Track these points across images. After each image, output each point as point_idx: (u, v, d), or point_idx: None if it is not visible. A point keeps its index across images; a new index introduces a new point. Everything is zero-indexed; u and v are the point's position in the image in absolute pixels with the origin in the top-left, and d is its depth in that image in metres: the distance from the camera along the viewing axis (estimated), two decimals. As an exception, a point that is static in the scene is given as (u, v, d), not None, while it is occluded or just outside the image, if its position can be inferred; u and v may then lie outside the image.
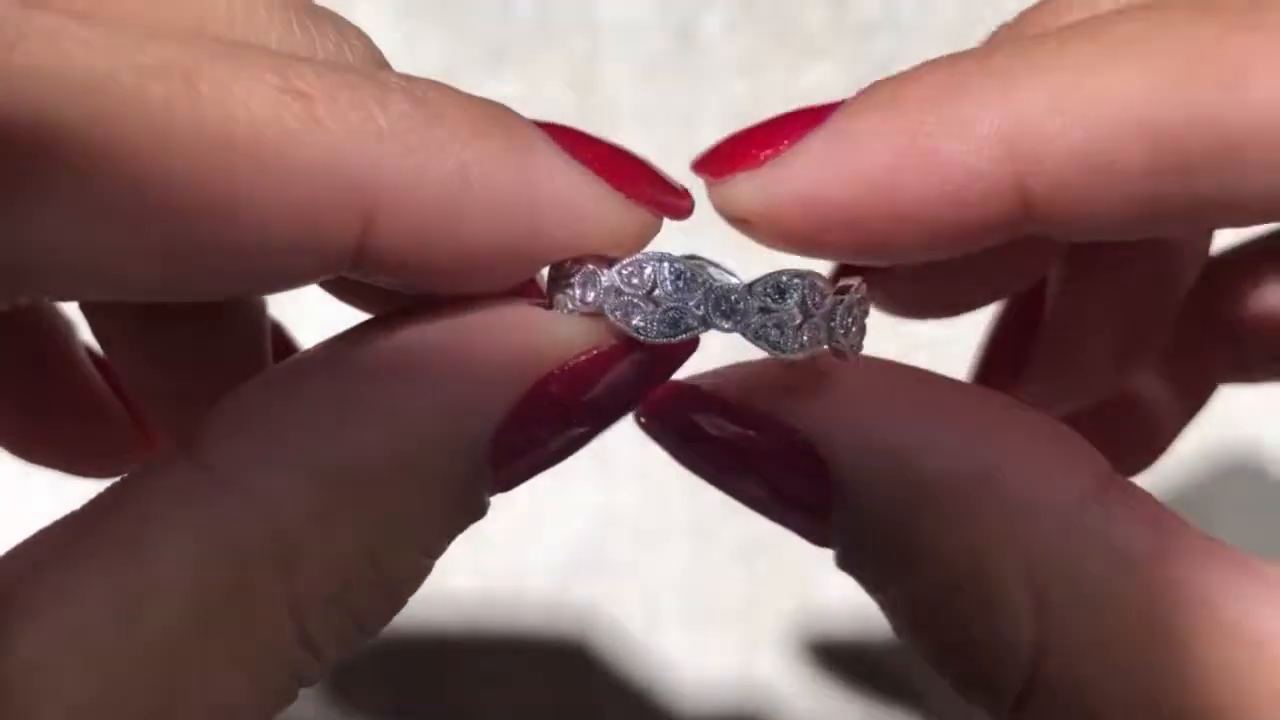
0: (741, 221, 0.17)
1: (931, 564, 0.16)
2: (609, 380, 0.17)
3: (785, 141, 0.17)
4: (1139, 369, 0.24)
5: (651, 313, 0.16)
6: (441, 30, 0.43)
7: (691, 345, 0.17)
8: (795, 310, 0.17)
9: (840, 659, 0.39)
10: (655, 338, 0.16)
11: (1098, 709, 0.16)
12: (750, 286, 0.17)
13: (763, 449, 0.17)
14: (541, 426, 0.16)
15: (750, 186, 0.17)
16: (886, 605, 0.18)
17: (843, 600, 0.39)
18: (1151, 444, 0.25)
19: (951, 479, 0.16)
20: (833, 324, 0.17)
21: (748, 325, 0.17)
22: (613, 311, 0.16)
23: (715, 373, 0.18)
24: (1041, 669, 0.16)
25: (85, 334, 0.24)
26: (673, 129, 0.42)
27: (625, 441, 0.43)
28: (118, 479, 0.15)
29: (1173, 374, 0.25)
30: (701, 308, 0.17)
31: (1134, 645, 0.15)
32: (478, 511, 0.17)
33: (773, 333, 0.17)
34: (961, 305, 0.23)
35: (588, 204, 0.16)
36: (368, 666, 0.37)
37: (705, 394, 0.18)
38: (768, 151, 0.17)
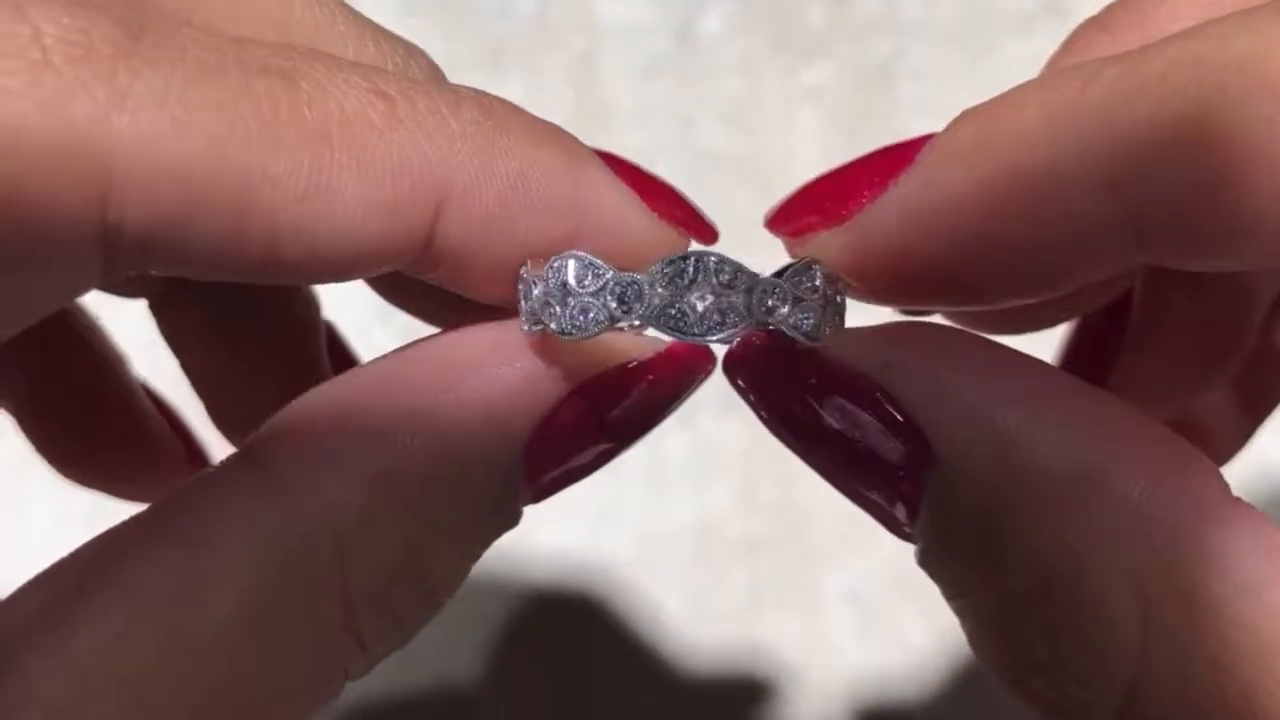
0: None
1: (1027, 564, 0.15)
2: (633, 397, 0.17)
3: (866, 194, 0.17)
4: (1219, 383, 0.23)
5: (697, 312, 0.16)
6: (442, 30, 0.43)
7: (711, 358, 0.17)
8: (819, 298, 0.16)
9: (840, 659, 0.39)
10: (700, 337, 0.16)
11: None
12: (781, 276, 0.16)
13: (858, 415, 0.16)
14: (567, 442, 0.17)
15: (835, 245, 0.17)
16: (968, 612, 0.17)
17: (844, 601, 0.39)
18: (1215, 458, 0.24)
19: (1063, 473, 0.15)
20: (753, 305, 0.16)
21: (786, 317, 0.16)
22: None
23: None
24: (1141, 691, 0.15)
25: (140, 368, 0.25)
26: (672, 129, 0.42)
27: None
28: (186, 482, 0.16)
29: (1240, 387, 0.24)
30: (743, 301, 0.16)
31: (1248, 672, 0.14)
32: (512, 519, 0.18)
33: (806, 321, 0.16)
34: (1036, 326, 0.23)
35: (627, 216, 0.17)
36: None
37: (801, 350, 0.17)
38: (848, 206, 0.17)
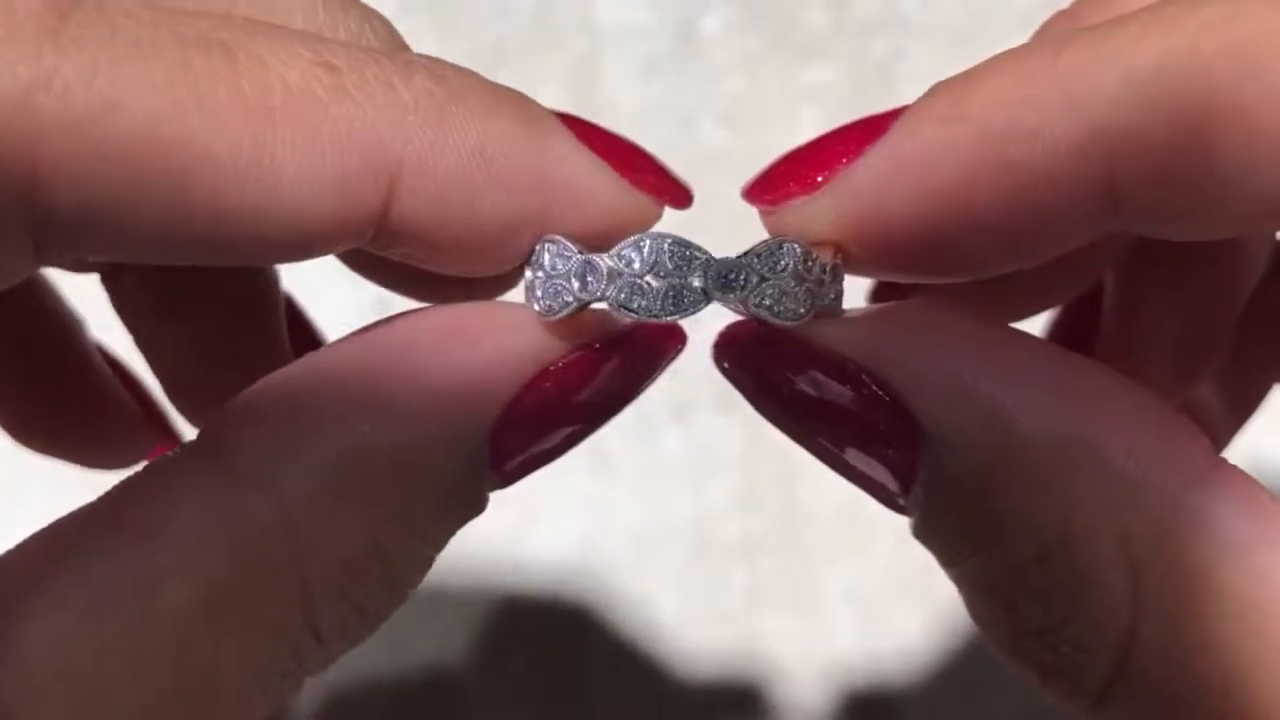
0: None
1: (1019, 532, 0.16)
2: (601, 377, 0.17)
3: (843, 159, 0.16)
4: (1200, 378, 0.23)
5: (654, 291, 0.16)
6: (441, 29, 0.43)
7: (681, 338, 0.17)
8: (790, 278, 0.16)
9: (841, 659, 0.39)
10: (659, 315, 0.16)
11: (1190, 698, 0.15)
12: (746, 256, 0.16)
13: (847, 398, 0.16)
14: (535, 425, 0.16)
15: (810, 211, 0.17)
16: (964, 581, 0.17)
17: (845, 601, 0.39)
18: None
19: (1050, 442, 0.15)
20: (822, 288, 0.16)
21: (748, 296, 0.16)
22: (616, 295, 0.16)
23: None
24: (1132, 653, 0.15)
25: (95, 333, 0.24)
26: (672, 129, 0.42)
27: (625, 441, 0.43)
28: (137, 469, 0.16)
29: (1225, 380, 0.24)
30: (701, 281, 0.16)
31: (1235, 634, 0.14)
32: (478, 506, 0.17)
33: (772, 301, 0.16)
34: (1011, 316, 0.23)
35: (596, 186, 0.17)
36: (365, 663, 0.37)
37: (786, 335, 0.17)
38: (824, 172, 0.16)
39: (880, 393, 0.16)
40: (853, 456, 0.17)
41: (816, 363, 0.16)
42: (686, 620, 0.39)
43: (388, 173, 0.15)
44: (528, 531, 0.39)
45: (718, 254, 0.16)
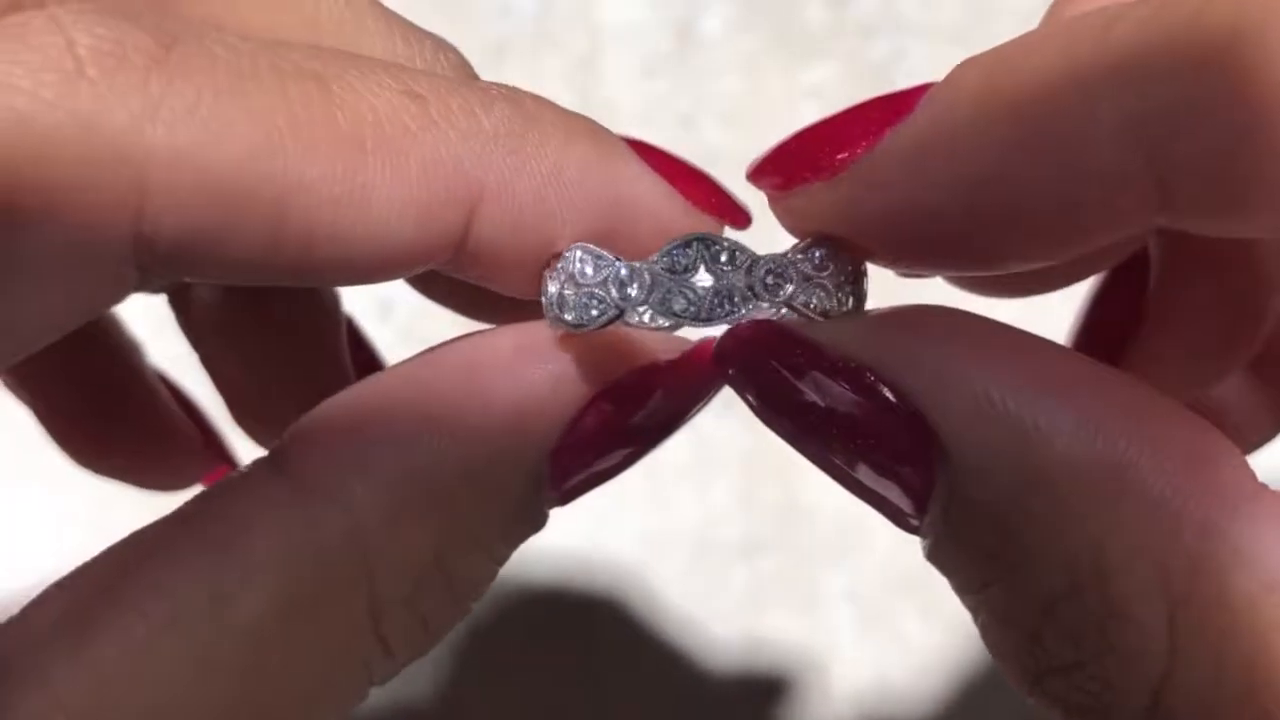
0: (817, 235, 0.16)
1: (1048, 563, 0.14)
2: (655, 398, 0.17)
3: (862, 142, 0.15)
4: (1237, 365, 0.22)
5: (701, 293, 0.16)
6: (441, 29, 0.43)
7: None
8: (832, 276, 0.16)
9: (841, 659, 0.39)
10: (707, 319, 0.16)
11: None
12: (791, 254, 0.16)
13: (860, 407, 0.15)
14: (594, 445, 0.17)
15: (828, 198, 0.16)
16: (982, 609, 0.16)
17: (845, 601, 0.39)
18: (1240, 448, 0.23)
19: (1081, 465, 0.14)
20: (756, 285, 0.16)
21: (795, 295, 0.16)
22: (660, 299, 0.16)
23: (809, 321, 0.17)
24: (1167, 691, 0.14)
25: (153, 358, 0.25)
26: (672, 129, 0.42)
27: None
28: (211, 486, 0.16)
29: (1264, 375, 0.23)
30: (746, 280, 0.16)
31: (1276, 679, 0.13)
32: (538, 523, 0.17)
33: (818, 301, 0.16)
34: (1043, 286, 0.22)
35: (662, 207, 0.17)
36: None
37: (795, 336, 0.16)
38: (844, 155, 0.16)
39: (897, 403, 0.15)
40: (864, 473, 0.16)
41: (829, 367, 0.15)
42: (687, 620, 0.39)
43: (470, 198, 0.15)
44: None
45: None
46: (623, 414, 0.17)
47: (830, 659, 0.38)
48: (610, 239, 0.16)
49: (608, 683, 0.38)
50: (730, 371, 0.16)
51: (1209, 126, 0.13)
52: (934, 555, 0.16)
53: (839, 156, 0.16)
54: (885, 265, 0.17)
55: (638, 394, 0.17)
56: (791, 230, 0.17)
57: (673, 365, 0.17)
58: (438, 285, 0.22)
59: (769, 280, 0.16)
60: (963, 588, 0.16)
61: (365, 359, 0.25)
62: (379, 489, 0.15)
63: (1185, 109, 0.13)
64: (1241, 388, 0.23)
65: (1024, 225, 0.15)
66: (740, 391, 0.16)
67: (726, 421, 0.40)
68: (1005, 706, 0.37)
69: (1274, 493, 0.14)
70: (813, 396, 0.16)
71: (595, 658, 0.39)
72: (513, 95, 0.16)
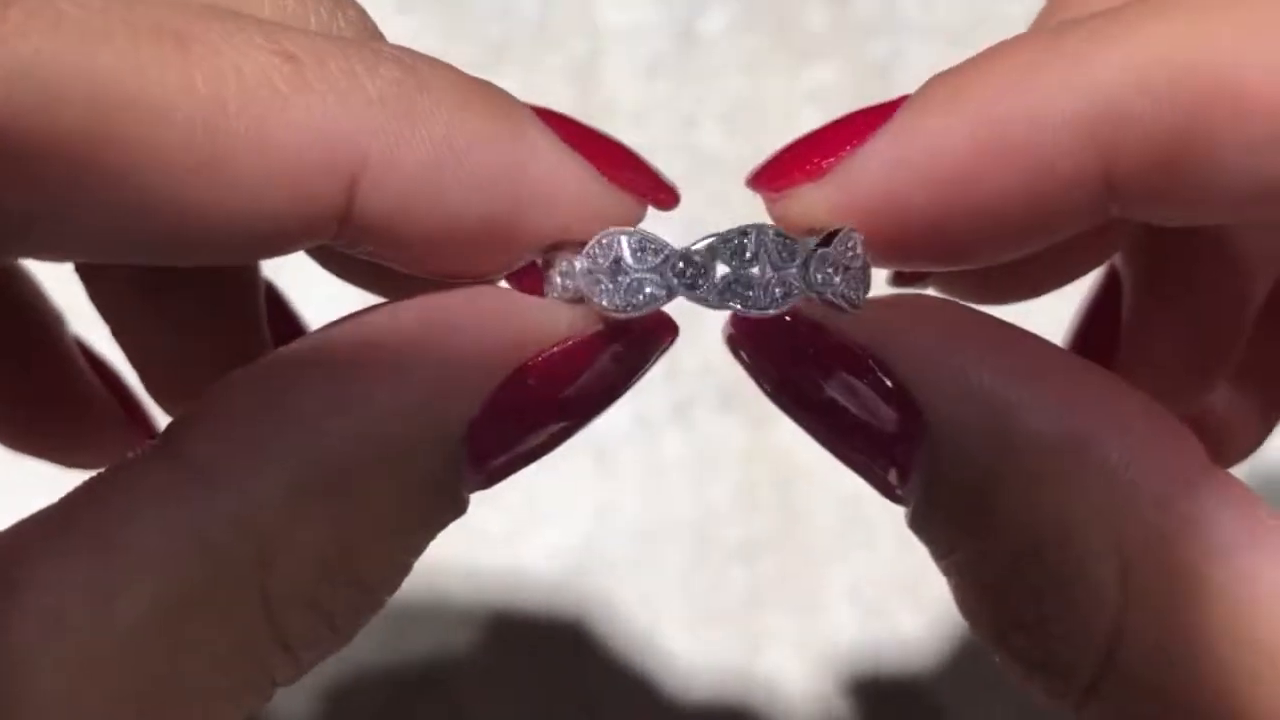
0: (810, 235, 0.17)
1: (1013, 526, 0.16)
2: (592, 370, 0.16)
3: (847, 146, 0.16)
4: (1214, 383, 0.23)
5: (761, 283, 0.16)
6: (441, 29, 0.43)
7: (674, 329, 0.17)
8: (862, 266, 0.16)
9: (842, 660, 0.39)
10: (764, 308, 0.16)
11: (1174, 699, 0.15)
12: (831, 246, 0.16)
13: (854, 385, 0.16)
14: (518, 420, 0.16)
15: (816, 197, 0.17)
16: (954, 570, 0.17)
17: (845, 600, 0.39)
18: (1223, 456, 0.24)
19: (1049, 441, 0.15)
20: (810, 275, 0.16)
21: (829, 285, 0.16)
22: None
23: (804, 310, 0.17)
24: (1118, 652, 0.15)
25: (75, 327, 0.24)
26: (673, 129, 0.42)
27: (625, 441, 0.43)
28: (101, 471, 0.15)
29: (1251, 384, 0.24)
30: (800, 270, 0.16)
31: (1219, 637, 0.15)
32: (456, 509, 0.16)
33: (849, 290, 0.16)
34: (1025, 291, 0.23)
35: (573, 185, 0.16)
36: (365, 665, 0.37)
37: (805, 320, 0.17)
38: (830, 159, 0.16)
39: (886, 380, 0.16)
40: (855, 444, 0.17)
41: (830, 349, 0.16)
42: (687, 620, 0.39)
43: (350, 168, 0.14)
44: (528, 531, 0.39)
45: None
46: (550, 389, 0.16)
47: (830, 659, 0.38)
48: (520, 217, 0.16)
49: (605, 684, 0.38)
50: (743, 355, 0.17)
51: (1154, 125, 0.15)
52: (915, 522, 0.17)
53: (826, 161, 0.16)
54: (871, 264, 0.18)
55: (566, 367, 0.16)
56: (787, 230, 0.17)
57: (607, 335, 0.17)
58: (341, 264, 0.20)
59: (823, 272, 0.16)
60: (939, 553, 0.17)
61: (288, 329, 0.23)
62: (275, 474, 0.14)
63: (1130, 109, 0.15)
64: (1229, 398, 0.24)
65: (990, 219, 0.16)
66: (749, 371, 0.17)
67: (727, 421, 0.40)
68: (1006, 707, 0.37)
69: (1223, 472, 0.16)
70: (815, 376, 0.16)
71: (594, 658, 0.39)
72: (403, 56, 0.15)
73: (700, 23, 0.43)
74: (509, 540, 0.39)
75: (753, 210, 0.18)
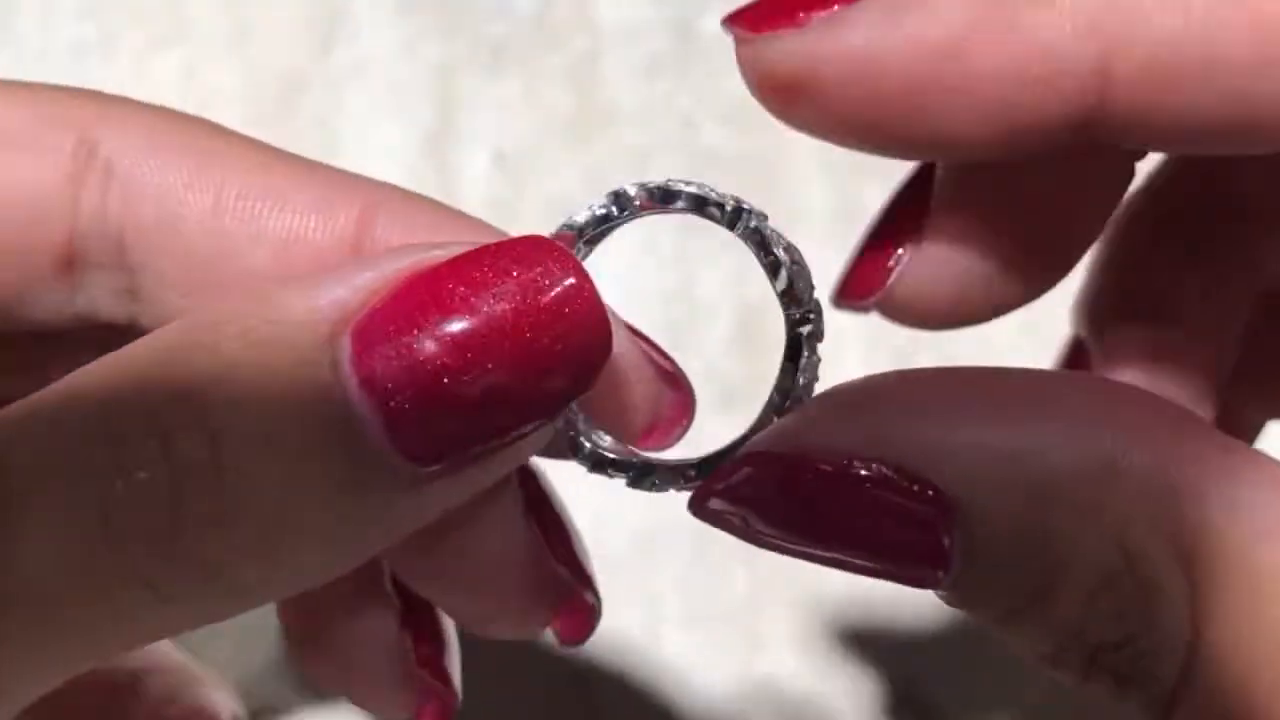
0: (776, 91, 0.16)
1: (1078, 566, 0.15)
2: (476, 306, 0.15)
3: (835, 5, 0.16)
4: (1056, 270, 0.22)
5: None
6: (441, 29, 0.43)
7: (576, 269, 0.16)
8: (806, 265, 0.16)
9: (843, 660, 0.39)
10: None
11: (1254, 687, 0.15)
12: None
13: (867, 496, 0.15)
14: (405, 343, 0.15)
15: (793, 45, 0.16)
16: (1023, 630, 0.16)
17: (845, 600, 0.39)
18: None
19: (1080, 470, 0.15)
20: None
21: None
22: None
23: (763, 439, 0.17)
24: (1197, 652, 0.15)
25: None
26: (672, 129, 0.42)
27: (625, 441, 0.42)
28: None
29: (1250, 380, 0.24)
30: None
31: (1271, 607, 0.14)
32: (396, 482, 0.15)
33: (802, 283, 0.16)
34: (984, 312, 0.22)
35: None
36: (368, 666, 0.37)
37: (784, 455, 0.16)
38: (818, 10, 0.16)
39: (895, 478, 0.15)
40: (884, 553, 0.16)
41: (823, 476, 0.16)
42: (687, 620, 0.39)
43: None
44: (528, 531, 0.39)
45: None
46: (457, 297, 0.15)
47: (830, 658, 0.38)
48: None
49: (604, 683, 0.38)
50: (721, 519, 0.17)
51: (1158, 27, 0.14)
52: (963, 600, 0.16)
53: (814, 11, 0.16)
54: (837, 142, 0.17)
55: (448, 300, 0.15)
56: (753, 79, 0.17)
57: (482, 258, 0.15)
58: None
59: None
60: (1001, 619, 0.16)
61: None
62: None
63: (1136, 10, 0.14)
64: (1228, 390, 0.24)
65: (973, 99, 0.15)
66: (727, 526, 0.17)
67: (727, 421, 0.40)
68: (1010, 703, 0.37)
69: (1241, 444, 0.15)
70: (819, 509, 0.16)
71: (591, 658, 0.39)
72: None
73: (699, 21, 0.43)
74: (509, 540, 0.39)
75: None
